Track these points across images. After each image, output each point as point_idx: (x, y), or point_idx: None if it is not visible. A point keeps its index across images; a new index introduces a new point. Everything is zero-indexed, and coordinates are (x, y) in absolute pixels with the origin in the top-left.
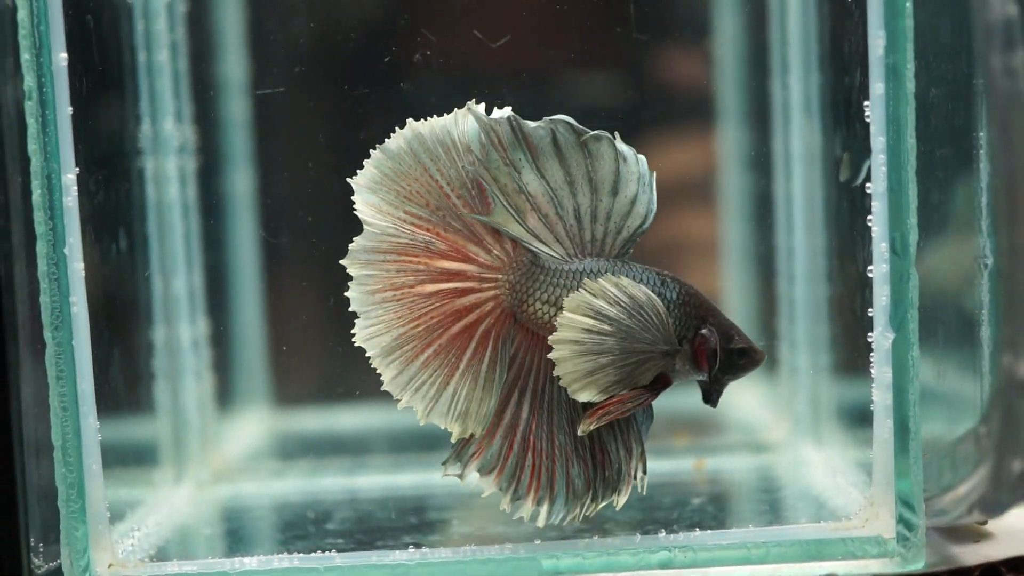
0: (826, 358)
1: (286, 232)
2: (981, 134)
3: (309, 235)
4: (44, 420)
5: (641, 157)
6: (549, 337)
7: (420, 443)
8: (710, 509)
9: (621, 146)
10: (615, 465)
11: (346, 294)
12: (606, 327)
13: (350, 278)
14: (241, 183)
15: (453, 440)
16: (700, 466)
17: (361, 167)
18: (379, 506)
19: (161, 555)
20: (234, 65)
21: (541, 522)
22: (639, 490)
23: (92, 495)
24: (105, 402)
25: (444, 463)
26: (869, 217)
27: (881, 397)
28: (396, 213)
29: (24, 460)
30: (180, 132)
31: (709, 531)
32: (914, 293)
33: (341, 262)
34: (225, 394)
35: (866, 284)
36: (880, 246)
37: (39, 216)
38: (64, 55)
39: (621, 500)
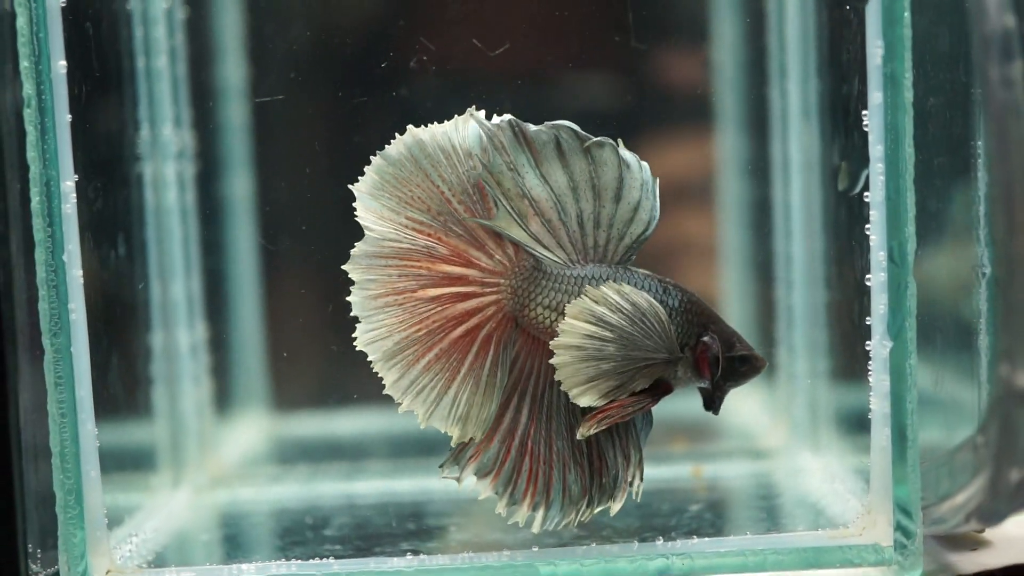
0: (824, 365)
1: (284, 237)
2: (979, 143)
3: (307, 240)
4: (42, 426)
5: (644, 164)
6: (551, 342)
7: (418, 448)
8: (708, 516)
9: (624, 153)
10: (612, 472)
11: (348, 299)
12: (608, 334)
13: (349, 283)
14: (240, 188)
15: (453, 444)
16: (698, 473)
17: (360, 173)
18: (377, 512)
19: (159, 561)
20: (233, 71)
21: (536, 527)
22: (634, 497)
23: (90, 501)
24: (103, 407)
25: (441, 465)
26: (867, 225)
27: (879, 405)
28: (397, 219)
29: (22, 466)
30: (179, 138)
31: (707, 538)
32: (912, 302)
33: (343, 267)
34: (223, 399)
35: (864, 292)
36: (878, 254)
37: (38, 223)
38: (63, 62)
39: (616, 506)
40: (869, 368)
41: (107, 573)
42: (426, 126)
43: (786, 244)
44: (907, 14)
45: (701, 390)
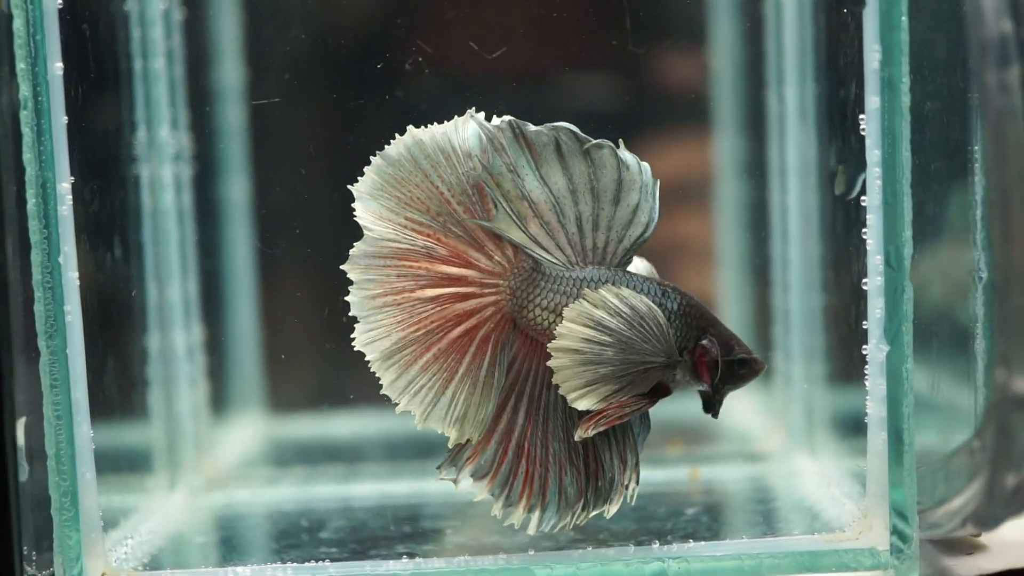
0: (820, 368)
1: (281, 239)
2: (976, 148)
3: (304, 243)
4: (38, 428)
5: (644, 165)
6: (548, 345)
7: (415, 451)
8: (704, 520)
9: (624, 154)
10: (608, 475)
11: (346, 299)
12: (606, 338)
13: (345, 286)
14: (236, 190)
15: (450, 445)
16: (695, 476)
17: (357, 175)
18: (373, 515)
19: (154, 563)
20: (230, 73)
21: (532, 530)
22: (628, 500)
23: (85, 503)
24: (99, 409)
25: (439, 467)
26: (864, 229)
27: (875, 409)
28: (397, 219)
29: (17, 467)
30: (176, 139)
31: (703, 542)
32: (908, 306)
33: (342, 267)
34: (219, 401)
35: (861, 296)
36: (875, 259)
37: (34, 224)
38: (59, 64)
39: (612, 509)
40: (866, 372)
41: (102, 575)
42: (426, 127)
43: (783, 247)
44: (904, 19)
45: (701, 393)
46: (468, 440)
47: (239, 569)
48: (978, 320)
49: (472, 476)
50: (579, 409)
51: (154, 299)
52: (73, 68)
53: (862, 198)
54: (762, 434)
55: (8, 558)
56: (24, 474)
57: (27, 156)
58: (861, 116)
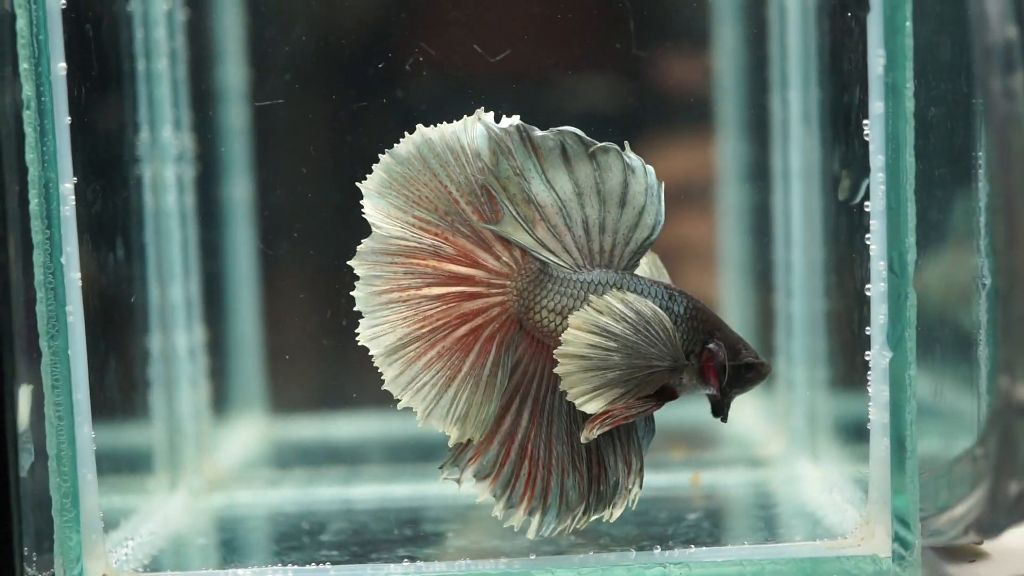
0: (823, 374)
1: (283, 241)
2: (980, 154)
3: (306, 244)
4: (39, 429)
5: (649, 168)
6: (555, 352)
7: (416, 454)
8: (706, 525)
9: (630, 157)
10: (612, 479)
11: (348, 301)
12: (612, 343)
13: (348, 288)
14: (239, 191)
15: (450, 444)
16: (696, 481)
17: (360, 177)
18: (374, 517)
19: (155, 565)
20: (233, 73)
21: (532, 533)
22: (630, 505)
23: (86, 504)
24: (100, 409)
25: (441, 467)
26: (867, 235)
27: (878, 415)
28: (405, 217)
29: (18, 468)
30: (178, 140)
31: (704, 548)
32: (912, 312)
33: (349, 263)
34: (221, 402)
35: (864, 301)
36: (878, 264)
37: (36, 225)
38: (63, 64)
39: (616, 513)
40: (868, 378)
41: None
42: (435, 126)
43: (786, 252)
44: (909, 24)
45: (709, 397)
46: (469, 440)
47: (239, 571)
48: (981, 327)
49: (474, 476)
50: (586, 413)
51: (156, 300)
52: (76, 68)
53: (866, 203)
54: (764, 439)
55: (8, 559)
56: (24, 474)
57: (30, 156)
58: (865, 121)
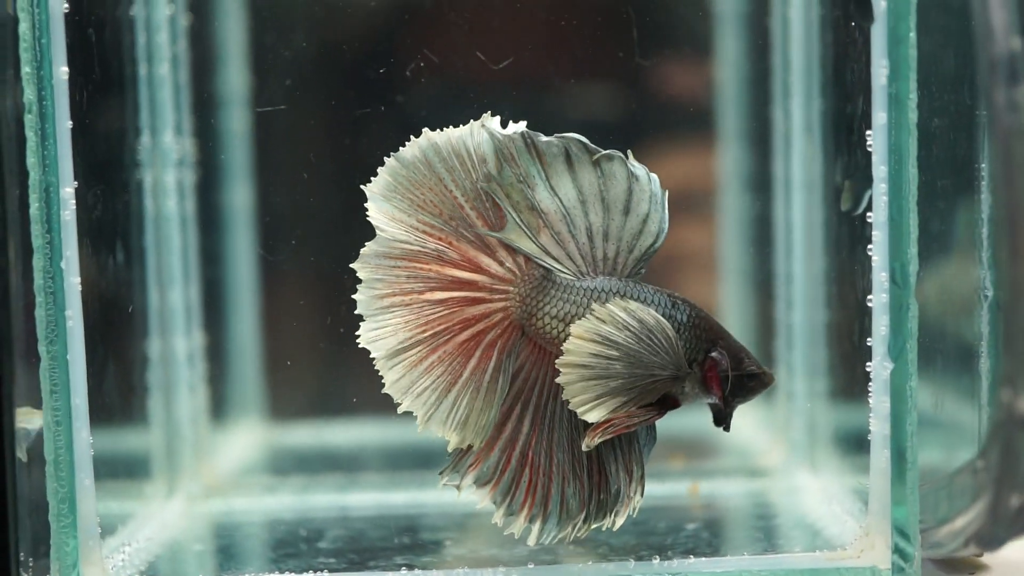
0: (824, 385)
1: (283, 247)
2: (983, 166)
3: (306, 250)
4: (36, 433)
5: (653, 176)
6: (557, 361)
7: (414, 461)
8: (705, 535)
9: (634, 165)
10: (614, 487)
11: (347, 307)
12: (614, 352)
13: (347, 294)
14: (239, 197)
15: (450, 450)
16: (695, 491)
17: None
18: (372, 525)
19: (151, 571)
20: (235, 79)
21: (532, 540)
22: (631, 513)
23: (83, 509)
24: (99, 414)
25: (441, 472)
26: (869, 246)
27: (879, 427)
28: (409, 221)
29: (15, 473)
30: (179, 145)
31: (703, 558)
32: (913, 323)
33: (352, 266)
34: (219, 408)
35: (865, 312)
36: (880, 275)
37: (36, 229)
38: (65, 68)
39: (619, 521)
40: (869, 389)
41: None
42: (441, 130)
43: (787, 262)
44: (912, 35)
45: (711, 406)
46: (470, 446)
47: None
48: (983, 338)
49: (474, 483)
50: (588, 421)
51: (155, 305)
52: (78, 72)
53: (868, 214)
54: (764, 450)
55: (5, 564)
56: (22, 479)
57: (31, 160)
58: (868, 132)
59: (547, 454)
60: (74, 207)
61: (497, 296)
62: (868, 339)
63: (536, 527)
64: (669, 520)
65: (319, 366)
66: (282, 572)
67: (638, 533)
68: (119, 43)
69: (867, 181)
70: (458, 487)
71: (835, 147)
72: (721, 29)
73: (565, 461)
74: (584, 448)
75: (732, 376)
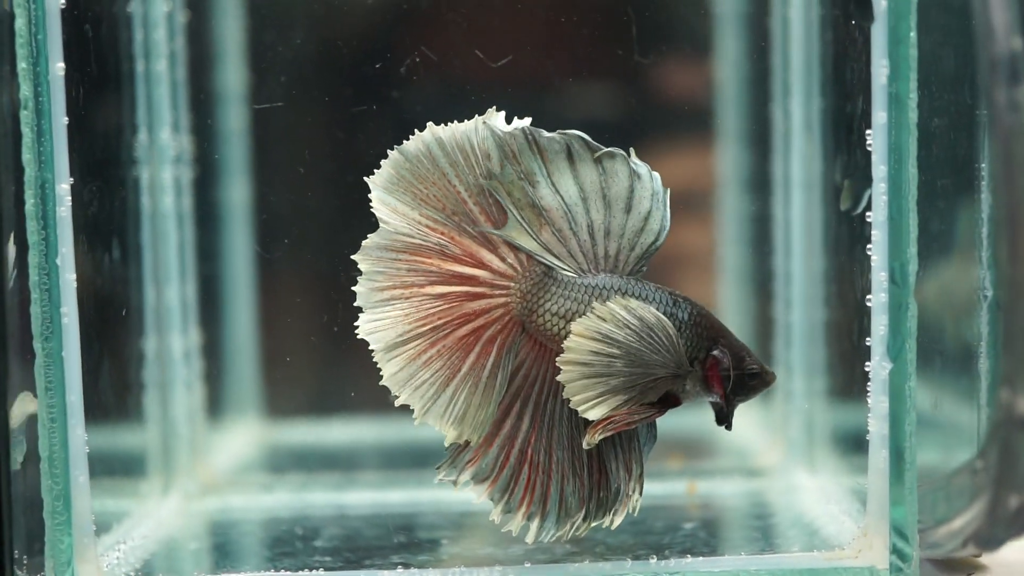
0: (822, 384)
1: (280, 244)
2: (983, 165)
3: (303, 248)
4: (31, 430)
5: (655, 174)
6: (557, 359)
7: (411, 460)
8: (702, 535)
9: (635, 163)
10: (614, 486)
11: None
12: (615, 351)
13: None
14: (237, 194)
15: (447, 444)
16: (692, 490)
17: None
18: (368, 523)
19: (147, 569)
20: (232, 76)
21: (530, 538)
22: (631, 512)
23: (78, 507)
24: (94, 412)
25: (438, 467)
26: (869, 245)
27: (877, 427)
28: (412, 214)
29: (10, 470)
30: (177, 142)
31: (700, 557)
32: (912, 323)
33: (353, 257)
34: (216, 405)
35: (864, 312)
36: (879, 275)
37: (32, 225)
38: (61, 64)
39: (617, 520)
40: (868, 389)
41: None
42: (446, 124)
43: (786, 261)
44: (913, 34)
45: (712, 404)
46: (467, 442)
47: None
48: (982, 339)
49: (472, 479)
50: (589, 419)
51: (152, 302)
52: (75, 69)
53: (867, 214)
54: (761, 449)
55: None
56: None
57: (26, 156)
58: (868, 131)
59: (546, 452)
60: (70, 203)
61: (498, 292)
62: (867, 339)
63: (534, 525)
64: (667, 519)
65: (316, 364)
66: (278, 571)
67: (635, 532)
68: (116, 39)
69: (867, 180)
70: (455, 482)
71: (835, 146)
72: (721, 28)
73: (564, 459)
74: (584, 446)
75: (733, 375)
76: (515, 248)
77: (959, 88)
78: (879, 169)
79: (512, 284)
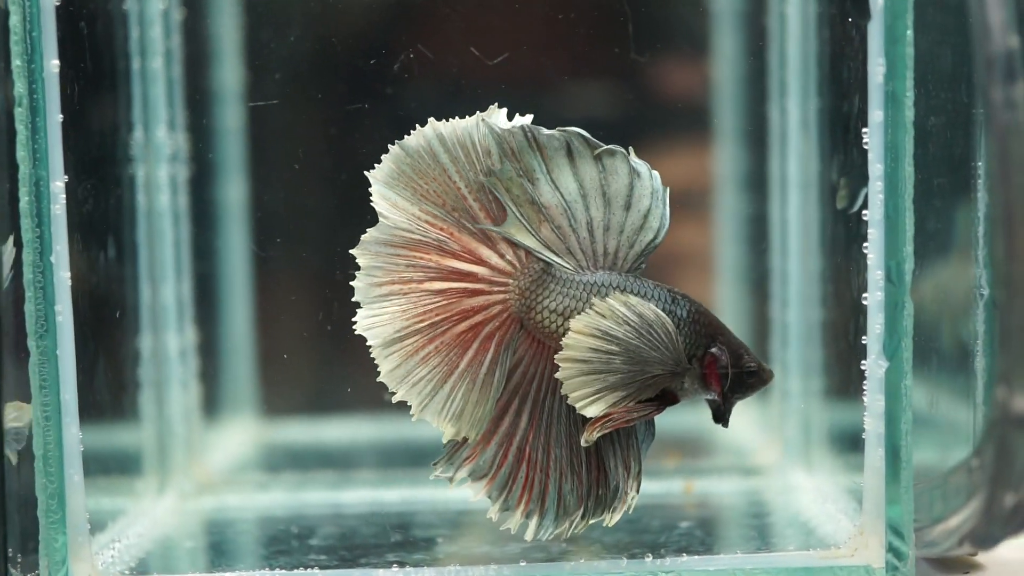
0: (818, 383)
1: (276, 243)
2: (979, 164)
3: (299, 247)
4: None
5: (655, 172)
6: (556, 356)
7: (407, 458)
8: (698, 533)
9: (635, 161)
10: (612, 483)
11: (352, 283)
12: (613, 347)
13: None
14: (232, 192)
15: (444, 441)
16: (689, 489)
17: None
18: (364, 522)
19: (142, 567)
20: (228, 74)
21: (529, 536)
22: (628, 510)
23: (73, 505)
24: (89, 410)
25: (435, 463)
26: (865, 244)
27: (873, 425)
28: (412, 209)
29: (4, 468)
30: (172, 140)
31: (696, 556)
32: (909, 322)
33: (351, 252)
34: (211, 404)
35: (860, 311)
36: (875, 273)
37: (26, 223)
38: (56, 62)
39: (615, 517)
40: (864, 388)
41: None
42: (447, 120)
43: (783, 260)
44: (909, 32)
45: (709, 402)
46: (465, 439)
47: (227, 575)
48: (979, 337)
49: (470, 476)
50: (587, 416)
51: (147, 300)
52: (69, 66)
53: (863, 212)
54: (758, 448)
55: None
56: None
57: (21, 154)
58: (864, 130)
59: (545, 449)
60: (64, 201)
61: (496, 289)
62: (863, 337)
63: (533, 523)
64: (663, 518)
65: (312, 363)
66: (273, 569)
67: (631, 531)
68: (111, 37)
69: (863, 179)
70: (450, 479)
71: (831, 145)
72: (718, 26)
73: (563, 456)
74: (583, 443)
75: (731, 372)
76: (514, 245)
77: (955, 86)
78: (875, 168)
79: (511, 281)
